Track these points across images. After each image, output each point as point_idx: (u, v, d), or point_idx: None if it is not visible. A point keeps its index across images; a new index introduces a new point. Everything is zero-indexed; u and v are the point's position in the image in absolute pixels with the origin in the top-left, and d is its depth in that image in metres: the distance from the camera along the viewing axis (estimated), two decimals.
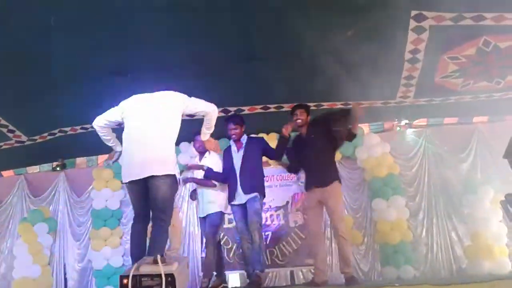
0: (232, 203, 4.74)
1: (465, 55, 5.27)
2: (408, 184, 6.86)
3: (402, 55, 5.17)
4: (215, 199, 4.94)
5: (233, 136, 4.82)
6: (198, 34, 4.68)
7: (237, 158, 4.79)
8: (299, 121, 4.71)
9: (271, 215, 6.91)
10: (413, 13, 4.48)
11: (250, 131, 7.03)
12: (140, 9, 4.20)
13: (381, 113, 6.73)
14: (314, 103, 6.11)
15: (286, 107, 6.35)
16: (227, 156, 4.91)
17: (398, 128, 7.27)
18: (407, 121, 7.17)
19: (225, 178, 4.86)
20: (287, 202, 6.96)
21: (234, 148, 4.88)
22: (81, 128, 6.65)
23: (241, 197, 4.65)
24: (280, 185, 7.06)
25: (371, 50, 4.80)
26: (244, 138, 4.89)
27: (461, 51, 5.19)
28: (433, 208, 6.71)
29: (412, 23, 4.63)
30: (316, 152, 4.58)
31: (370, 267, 6.66)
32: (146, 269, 2.47)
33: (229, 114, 6.35)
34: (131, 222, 3.70)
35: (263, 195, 4.74)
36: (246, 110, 6.42)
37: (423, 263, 6.53)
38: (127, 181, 3.52)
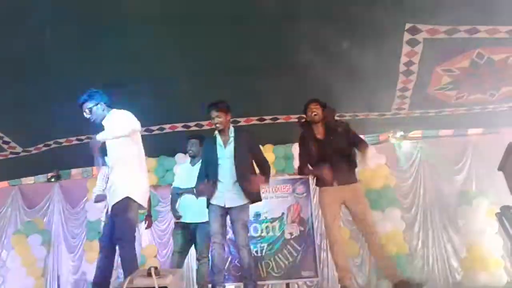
0: (211, 202, 4.12)
1: (458, 68, 5.31)
2: (404, 196, 6.87)
3: (397, 67, 5.20)
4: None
5: (217, 125, 4.11)
6: (192, 47, 4.71)
7: (224, 153, 4.12)
8: (316, 115, 4.43)
9: (266, 227, 6.87)
10: (408, 25, 4.52)
11: None
12: (135, 21, 4.23)
13: (376, 125, 6.76)
14: None
15: (282, 119, 6.38)
16: (209, 150, 4.21)
17: (393, 140, 7.29)
18: (402, 133, 7.19)
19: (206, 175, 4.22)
20: (283, 214, 6.93)
21: (219, 141, 4.16)
22: (76, 139, 6.64)
23: (226, 200, 4.04)
24: (276, 197, 7.02)
25: (366, 62, 4.83)
26: (232, 131, 4.21)
27: (455, 64, 5.23)
28: (428, 220, 6.72)
29: (407, 36, 4.67)
30: (340, 152, 4.33)
31: (366, 280, 6.63)
32: (140, 282, 2.45)
33: None
34: None
35: (258, 200, 4.20)
36: (242, 121, 6.43)
37: (419, 275, 6.50)
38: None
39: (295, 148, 6.76)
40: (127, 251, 3.56)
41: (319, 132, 4.48)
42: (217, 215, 4.05)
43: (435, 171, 6.91)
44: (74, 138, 6.62)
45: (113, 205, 3.63)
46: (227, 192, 4.05)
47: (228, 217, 4.14)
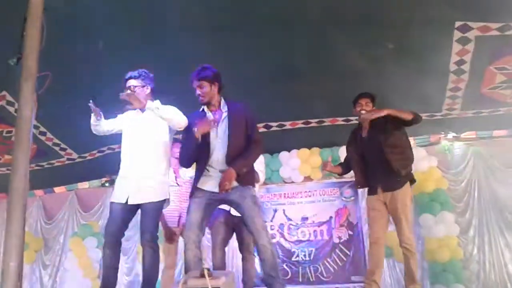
0: (199, 186, 3.37)
1: None
2: (457, 200, 6.63)
3: (447, 66, 5.06)
4: None
5: (201, 98, 3.40)
6: (238, 54, 4.77)
7: (215, 131, 3.37)
8: (363, 112, 4.21)
9: (314, 231, 6.84)
10: (458, 24, 4.39)
11: (292, 146, 7.12)
12: (179, 29, 4.34)
13: (426, 126, 6.58)
14: (357, 117, 6.07)
15: (328, 122, 6.33)
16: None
17: (445, 142, 7.07)
18: (454, 134, 6.97)
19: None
20: (330, 217, 6.88)
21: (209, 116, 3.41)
22: None
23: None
24: (323, 200, 7.00)
25: (415, 62, 4.74)
26: (224, 105, 3.47)
27: (509, 61, 5.01)
28: (484, 225, 6.44)
29: (457, 34, 4.53)
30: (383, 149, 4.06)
31: None
32: (193, 283, 2.51)
33: (271, 129, 6.41)
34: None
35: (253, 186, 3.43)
36: (287, 125, 6.43)
37: (475, 282, 6.26)
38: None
39: (342, 151, 6.72)
40: (156, 257, 3.64)
41: (365, 129, 4.29)
42: (202, 205, 3.37)
43: (490, 173, 6.63)
44: None
45: (151, 203, 3.42)
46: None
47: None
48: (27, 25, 2.11)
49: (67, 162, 7.13)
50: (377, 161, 4.13)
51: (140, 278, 7.12)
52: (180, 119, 3.43)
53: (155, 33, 4.38)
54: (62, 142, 6.59)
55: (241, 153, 3.29)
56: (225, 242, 4.27)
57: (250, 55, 4.79)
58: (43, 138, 6.30)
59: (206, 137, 3.29)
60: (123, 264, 7.59)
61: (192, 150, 3.34)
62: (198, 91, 3.38)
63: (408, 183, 4.18)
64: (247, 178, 3.34)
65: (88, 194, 8.26)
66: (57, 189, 8.43)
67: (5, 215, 1.98)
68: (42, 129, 6.13)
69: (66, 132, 6.37)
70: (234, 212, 3.82)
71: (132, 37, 4.44)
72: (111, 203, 3.54)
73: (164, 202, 3.57)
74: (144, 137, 3.60)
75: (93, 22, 4.12)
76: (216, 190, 3.23)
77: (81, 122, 5.99)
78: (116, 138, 6.67)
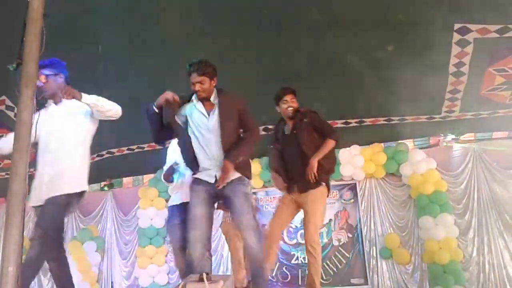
0: (196, 177, 3.36)
1: None
2: (457, 201, 6.62)
3: (446, 68, 5.07)
4: None
5: (199, 93, 3.29)
6: (241, 57, 4.78)
7: (207, 123, 3.30)
8: (290, 109, 4.00)
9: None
10: (457, 26, 4.40)
11: None
12: (185, 35, 4.36)
13: (426, 128, 6.59)
14: (356, 120, 6.09)
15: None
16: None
17: (444, 144, 7.07)
18: (453, 136, 6.97)
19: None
20: (330, 220, 6.88)
21: (201, 109, 3.32)
22: (127, 149, 6.88)
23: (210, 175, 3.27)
24: None
25: (414, 64, 4.74)
26: (216, 97, 3.34)
27: (508, 63, 5.03)
28: (483, 226, 6.43)
29: (456, 36, 4.55)
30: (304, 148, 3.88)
31: (418, 287, 6.44)
32: (192, 287, 2.51)
33: (270, 132, 6.40)
34: None
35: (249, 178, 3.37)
36: None
37: (475, 283, 6.25)
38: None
39: (341, 154, 6.72)
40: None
41: (288, 126, 4.05)
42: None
43: (489, 175, 6.63)
44: (125, 148, 6.87)
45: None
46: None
47: None
48: (26, 30, 2.10)
49: None
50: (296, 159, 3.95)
51: (139, 282, 7.15)
52: (118, 108, 3.30)
53: (155, 39, 4.39)
54: None
55: (235, 143, 3.26)
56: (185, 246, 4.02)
57: (250, 59, 4.80)
58: None
59: (200, 128, 3.29)
60: (122, 268, 7.58)
61: (157, 125, 3.32)
62: (198, 87, 3.26)
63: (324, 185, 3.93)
64: (244, 167, 3.30)
65: (87, 198, 8.15)
66: None
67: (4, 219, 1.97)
68: None
69: None
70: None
71: (132, 43, 4.45)
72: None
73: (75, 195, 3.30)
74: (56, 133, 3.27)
75: (92, 27, 4.13)
76: (212, 180, 3.22)
77: None
78: (114, 141, 6.72)
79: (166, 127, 3.34)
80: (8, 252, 1.92)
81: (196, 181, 3.33)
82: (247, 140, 3.32)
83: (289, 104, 4.00)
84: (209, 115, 3.30)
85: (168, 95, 3.20)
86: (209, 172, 3.28)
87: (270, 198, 7.21)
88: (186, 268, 3.18)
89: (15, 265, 1.91)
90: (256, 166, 6.85)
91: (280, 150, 4.10)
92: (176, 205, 3.90)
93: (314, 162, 3.78)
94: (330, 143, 3.91)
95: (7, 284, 1.88)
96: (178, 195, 3.92)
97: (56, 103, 3.32)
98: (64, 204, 3.21)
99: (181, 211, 3.77)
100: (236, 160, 3.18)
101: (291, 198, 3.98)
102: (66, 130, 3.25)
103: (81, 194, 3.41)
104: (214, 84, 3.34)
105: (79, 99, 3.04)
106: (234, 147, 3.23)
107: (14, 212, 1.97)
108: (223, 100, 3.33)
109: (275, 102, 4.08)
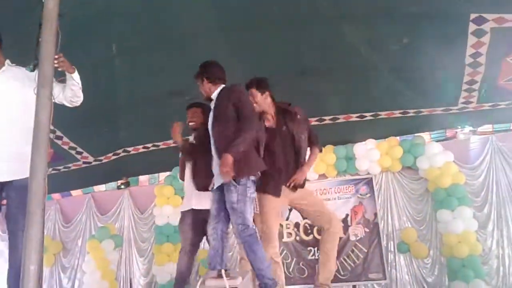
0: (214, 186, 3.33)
1: None
2: (475, 194, 6.52)
3: (463, 59, 4.99)
4: None
5: (202, 95, 3.44)
6: (248, 50, 4.77)
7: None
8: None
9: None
10: (472, 16, 4.33)
11: None
12: (194, 31, 4.36)
13: (442, 121, 6.51)
14: (371, 113, 6.04)
15: (342, 118, 6.29)
16: None
17: (461, 136, 6.97)
18: (471, 128, 6.87)
19: None
20: (347, 215, 6.83)
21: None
22: (143, 148, 6.93)
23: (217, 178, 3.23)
24: (339, 198, 6.94)
25: (429, 56, 4.68)
26: (215, 93, 3.35)
27: None
28: (503, 219, 6.33)
29: (472, 26, 4.47)
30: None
31: (437, 281, 6.38)
32: (211, 283, 2.52)
33: None
34: None
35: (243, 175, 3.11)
36: None
37: (495, 277, 6.16)
38: None
39: (357, 148, 6.67)
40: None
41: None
42: (218, 196, 3.31)
43: (508, 167, 6.51)
44: (140, 146, 6.92)
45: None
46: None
47: None
48: (42, 31, 2.12)
49: (83, 165, 7.20)
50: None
51: (157, 279, 7.20)
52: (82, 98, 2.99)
53: (170, 36, 4.40)
54: (78, 146, 6.66)
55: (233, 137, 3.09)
56: (195, 246, 4.06)
57: (261, 53, 4.79)
58: (59, 142, 6.37)
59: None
60: (140, 266, 7.65)
61: None
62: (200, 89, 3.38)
63: None
64: (241, 162, 3.07)
65: (105, 196, 8.31)
66: (74, 193, 8.52)
67: None
68: (59, 133, 6.20)
69: (82, 136, 6.44)
70: (199, 206, 3.90)
71: (148, 41, 4.47)
72: None
73: None
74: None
75: (108, 27, 4.16)
76: (221, 180, 3.10)
77: (96, 126, 6.10)
78: (130, 140, 6.77)
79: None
80: (29, 251, 1.94)
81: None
82: (244, 131, 3.09)
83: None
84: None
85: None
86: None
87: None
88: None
89: (36, 263, 1.93)
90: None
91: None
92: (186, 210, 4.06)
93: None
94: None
95: (29, 282, 1.90)
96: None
97: None
98: None
99: (192, 215, 3.96)
100: (233, 151, 3.00)
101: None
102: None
103: None
104: (208, 82, 3.32)
105: (72, 73, 2.72)
106: (233, 141, 3.06)
107: (35, 211, 1.99)
108: (219, 97, 3.27)
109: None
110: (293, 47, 4.76)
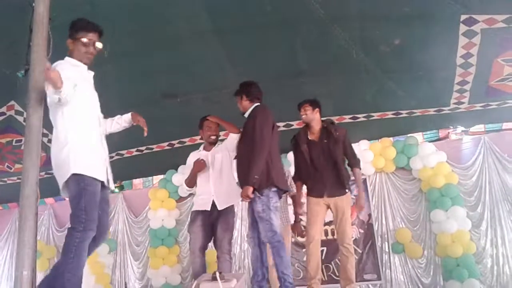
0: None
1: None
2: (468, 194, 6.57)
3: (454, 60, 5.03)
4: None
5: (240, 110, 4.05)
6: (241, 52, 4.77)
7: None
8: (304, 116, 4.44)
9: (325, 230, 6.81)
10: (463, 17, 4.36)
11: None
12: (187, 33, 4.36)
13: (435, 121, 6.54)
14: (364, 114, 6.06)
15: (335, 120, 6.30)
16: None
17: (454, 136, 7.01)
18: (463, 128, 6.91)
19: None
20: None
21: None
22: (137, 151, 6.90)
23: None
24: None
25: (421, 57, 4.71)
26: (249, 111, 3.98)
27: None
28: (496, 218, 6.38)
29: (463, 28, 4.50)
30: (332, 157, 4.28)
31: (432, 281, 6.40)
32: (205, 286, 2.51)
33: (278, 129, 6.40)
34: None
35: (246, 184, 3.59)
36: (295, 124, 6.42)
37: (489, 276, 6.20)
38: None
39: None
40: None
41: (313, 133, 4.43)
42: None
43: (501, 167, 6.56)
44: (134, 150, 6.89)
45: None
46: None
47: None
48: (33, 36, 2.11)
49: None
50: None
51: (152, 282, 7.17)
52: None
53: (162, 39, 4.40)
54: None
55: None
56: (205, 247, 4.21)
57: (254, 56, 4.79)
58: None
59: None
60: (135, 269, 7.62)
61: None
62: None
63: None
64: (261, 179, 3.56)
65: None
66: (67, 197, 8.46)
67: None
68: (51, 137, 6.15)
69: None
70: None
71: (140, 44, 4.46)
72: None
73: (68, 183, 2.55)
74: None
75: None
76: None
77: None
78: (123, 143, 6.74)
79: None
80: (22, 256, 1.94)
81: None
82: (254, 155, 3.55)
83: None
84: None
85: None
86: None
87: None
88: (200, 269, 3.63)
89: (29, 269, 1.93)
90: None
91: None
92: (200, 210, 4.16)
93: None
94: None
95: (22, 287, 1.90)
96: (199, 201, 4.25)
97: None
98: None
99: (204, 216, 4.12)
100: (251, 182, 3.49)
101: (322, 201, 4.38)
102: None
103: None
104: (246, 100, 3.86)
105: (58, 88, 2.14)
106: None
107: (27, 216, 1.99)
108: (250, 114, 3.81)
109: None
110: (286, 49, 4.77)
